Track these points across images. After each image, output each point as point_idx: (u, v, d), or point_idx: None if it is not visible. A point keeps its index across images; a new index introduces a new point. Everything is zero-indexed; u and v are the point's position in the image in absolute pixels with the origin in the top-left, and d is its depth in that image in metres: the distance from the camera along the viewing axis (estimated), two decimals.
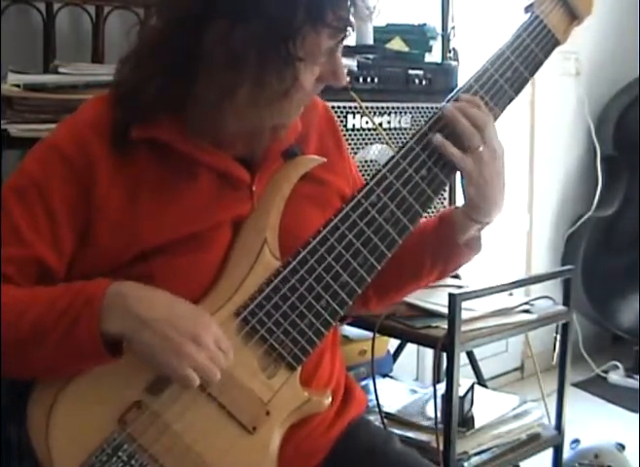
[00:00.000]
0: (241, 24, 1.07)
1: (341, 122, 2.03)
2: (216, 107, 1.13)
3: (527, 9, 1.29)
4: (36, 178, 1.12)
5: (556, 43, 1.29)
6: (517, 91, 1.27)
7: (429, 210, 1.24)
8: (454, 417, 1.64)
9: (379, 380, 2.06)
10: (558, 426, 1.93)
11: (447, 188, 2.21)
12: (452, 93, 1.24)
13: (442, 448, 1.66)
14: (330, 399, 1.22)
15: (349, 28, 1.12)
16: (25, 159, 1.16)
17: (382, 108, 2.13)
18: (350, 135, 2.06)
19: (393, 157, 1.21)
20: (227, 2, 1.07)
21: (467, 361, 2.29)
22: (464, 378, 1.82)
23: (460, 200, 1.26)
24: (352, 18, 1.11)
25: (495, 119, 1.26)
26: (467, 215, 1.27)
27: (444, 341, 1.64)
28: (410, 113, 2.19)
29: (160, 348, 1.05)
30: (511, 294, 1.92)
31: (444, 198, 2.22)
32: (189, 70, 1.11)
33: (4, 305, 1.06)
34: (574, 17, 1.30)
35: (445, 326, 1.65)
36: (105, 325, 1.04)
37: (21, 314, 1.06)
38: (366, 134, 2.10)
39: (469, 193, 1.24)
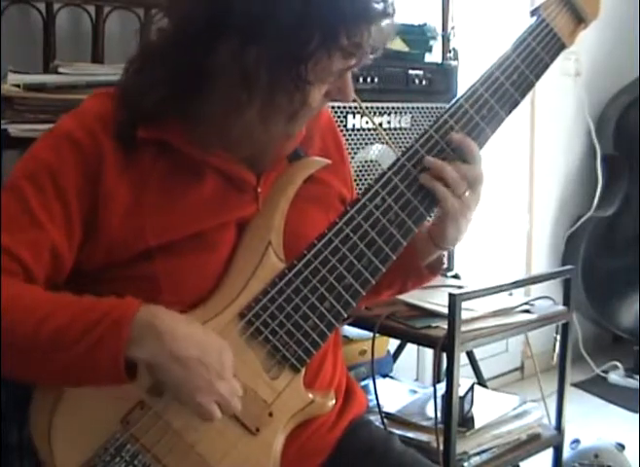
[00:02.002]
0: (254, 44, 1.06)
1: (341, 122, 2.03)
2: (223, 121, 1.13)
3: (533, 12, 1.28)
4: (49, 164, 1.11)
5: (562, 46, 1.29)
6: (523, 95, 1.27)
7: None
8: (454, 417, 1.64)
9: (379, 380, 2.06)
10: (558, 426, 1.93)
11: None
12: (458, 96, 1.24)
13: (442, 448, 1.66)
14: (333, 401, 1.23)
15: (362, 53, 1.11)
16: (34, 146, 1.15)
17: (382, 108, 2.13)
18: (350, 135, 2.06)
19: (398, 159, 1.21)
20: (240, 19, 1.05)
21: (467, 361, 2.29)
22: (464, 378, 1.82)
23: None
24: (366, 44, 1.10)
25: (500, 123, 1.26)
26: (433, 242, 1.29)
27: (444, 341, 1.64)
28: (410, 113, 2.19)
29: (188, 385, 1.05)
30: (511, 294, 1.92)
31: None
32: (196, 82, 1.11)
33: (25, 307, 1.04)
34: (580, 20, 1.30)
35: (445, 326, 1.65)
36: (132, 352, 1.03)
37: (42, 320, 1.03)
38: (366, 134, 2.09)
39: (446, 228, 1.25)
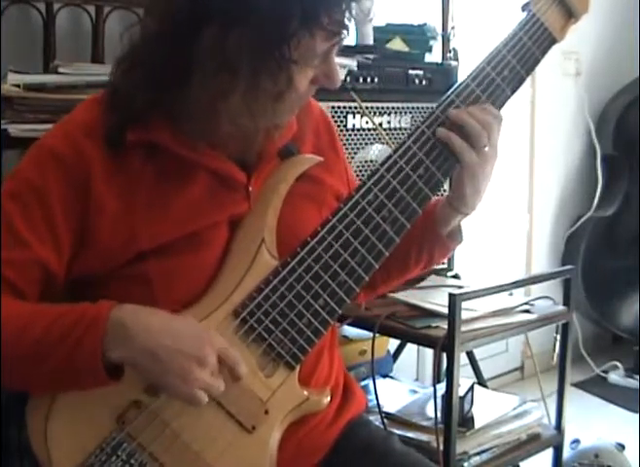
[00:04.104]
0: (235, 29, 1.06)
1: (341, 122, 2.03)
2: (210, 111, 1.13)
3: (524, 7, 1.29)
4: (32, 181, 1.12)
5: (553, 41, 1.29)
6: (514, 90, 1.27)
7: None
8: (454, 417, 1.64)
9: (379, 380, 2.06)
10: (558, 426, 1.93)
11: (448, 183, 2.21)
12: (449, 92, 1.24)
13: (442, 448, 1.66)
14: (329, 398, 1.22)
15: (344, 31, 1.12)
16: (20, 163, 1.16)
17: (382, 108, 2.13)
18: (350, 135, 2.06)
19: (390, 155, 1.21)
20: (219, 6, 1.06)
21: (467, 361, 2.29)
22: (464, 378, 1.82)
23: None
24: (347, 22, 1.11)
25: None
26: (453, 207, 1.29)
27: (444, 341, 1.64)
28: (410, 113, 2.19)
29: (168, 377, 1.05)
30: (511, 294, 1.92)
31: (444, 190, 2.22)
32: (182, 74, 1.11)
33: (4, 320, 1.06)
34: (570, 15, 1.30)
35: (445, 326, 1.65)
36: (108, 353, 1.04)
37: (22, 332, 1.06)
38: (366, 134, 2.09)
39: (464, 187, 1.25)
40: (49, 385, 1.09)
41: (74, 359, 1.04)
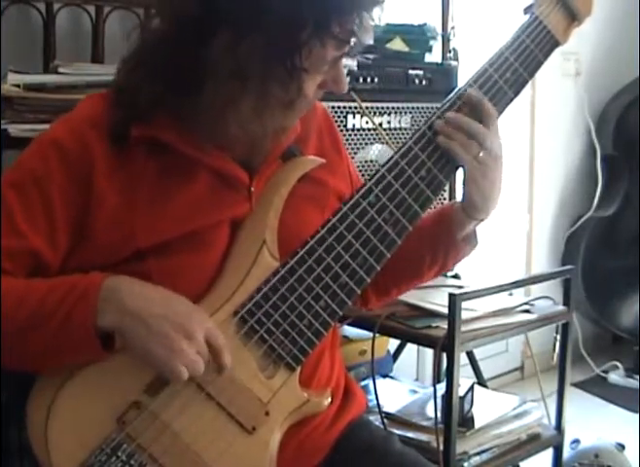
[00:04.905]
0: (247, 36, 1.07)
1: (341, 122, 2.03)
2: (219, 116, 1.13)
3: (526, 10, 1.28)
4: (34, 172, 1.12)
5: (556, 44, 1.29)
6: (517, 93, 1.27)
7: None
8: (454, 417, 1.64)
9: (379, 380, 2.06)
10: (558, 426, 1.93)
11: (447, 186, 2.21)
12: (451, 95, 1.24)
13: (442, 448, 1.66)
14: (329, 400, 1.22)
15: (354, 39, 1.12)
16: (23, 154, 1.16)
17: (382, 108, 2.13)
18: (350, 135, 2.06)
19: (392, 157, 1.21)
20: (232, 12, 1.07)
21: (467, 361, 2.29)
22: (464, 378, 1.82)
23: (459, 198, 1.29)
24: (358, 30, 1.11)
25: None
26: (466, 213, 1.28)
27: (444, 341, 1.64)
28: (410, 113, 2.19)
29: (153, 344, 1.05)
30: (511, 294, 1.92)
31: (444, 198, 2.22)
32: (191, 78, 1.11)
33: (2, 296, 1.07)
34: (573, 17, 1.30)
35: (445, 326, 1.65)
36: (100, 319, 1.05)
37: (17, 306, 1.07)
38: (366, 134, 2.09)
39: (470, 192, 1.25)
40: (48, 360, 1.09)
41: (68, 331, 1.05)
